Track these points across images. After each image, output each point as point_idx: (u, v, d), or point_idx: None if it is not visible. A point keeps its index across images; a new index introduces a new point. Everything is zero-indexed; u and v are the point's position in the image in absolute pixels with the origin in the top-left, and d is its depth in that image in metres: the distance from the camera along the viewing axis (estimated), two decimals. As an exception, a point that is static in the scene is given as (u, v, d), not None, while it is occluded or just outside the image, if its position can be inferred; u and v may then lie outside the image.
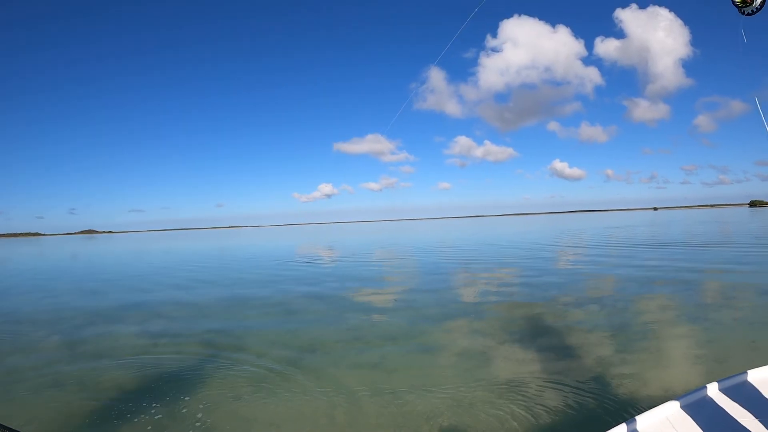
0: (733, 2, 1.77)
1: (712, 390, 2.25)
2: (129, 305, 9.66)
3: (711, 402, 2.17)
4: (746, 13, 1.75)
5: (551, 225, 63.88)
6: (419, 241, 35.62)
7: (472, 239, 34.29)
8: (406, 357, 5.31)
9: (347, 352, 5.61)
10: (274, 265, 17.92)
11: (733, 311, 7.04)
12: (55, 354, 6.03)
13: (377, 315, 7.77)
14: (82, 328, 7.55)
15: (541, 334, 6.11)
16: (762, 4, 1.72)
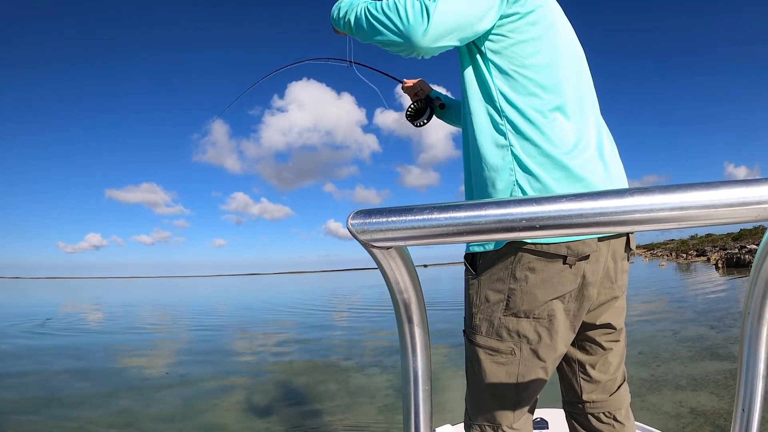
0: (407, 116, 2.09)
1: None
2: None
3: None
4: (417, 125, 2.06)
5: (327, 284, 66.86)
6: (192, 301, 33.82)
7: (246, 299, 33.95)
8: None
9: (118, 440, 5.26)
10: (27, 332, 14.66)
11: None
12: None
13: (149, 392, 7.31)
14: None
15: (322, 388, 6.70)
16: (427, 120, 2.05)
